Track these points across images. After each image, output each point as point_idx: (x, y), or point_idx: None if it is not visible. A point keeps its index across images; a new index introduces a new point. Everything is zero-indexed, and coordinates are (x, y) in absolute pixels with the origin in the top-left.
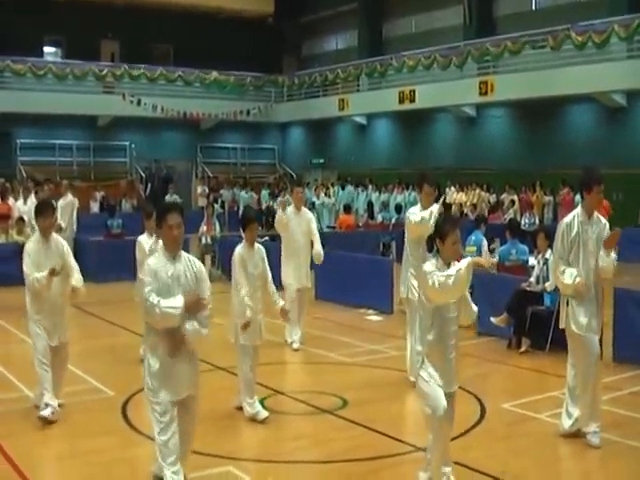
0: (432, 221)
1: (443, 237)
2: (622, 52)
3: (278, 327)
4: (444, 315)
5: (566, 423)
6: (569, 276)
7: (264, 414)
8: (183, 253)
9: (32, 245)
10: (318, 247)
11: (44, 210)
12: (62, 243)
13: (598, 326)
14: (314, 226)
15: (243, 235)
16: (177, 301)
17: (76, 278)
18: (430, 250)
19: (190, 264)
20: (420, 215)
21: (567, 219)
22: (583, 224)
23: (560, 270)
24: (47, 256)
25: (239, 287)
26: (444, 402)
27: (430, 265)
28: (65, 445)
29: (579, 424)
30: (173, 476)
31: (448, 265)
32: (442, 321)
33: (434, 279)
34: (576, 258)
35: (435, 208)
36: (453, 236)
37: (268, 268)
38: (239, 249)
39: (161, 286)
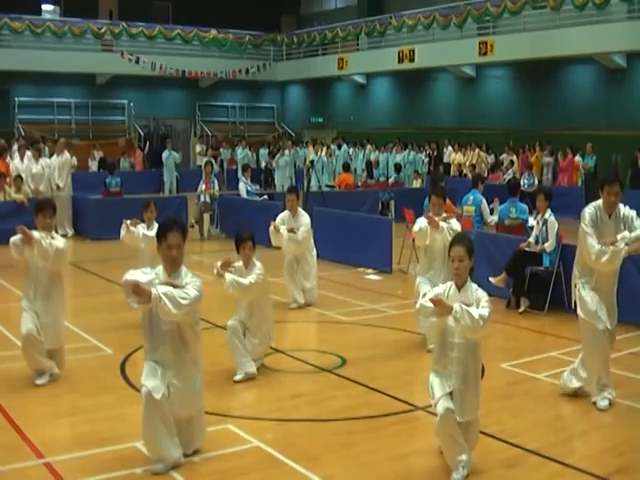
0: (428, 234)
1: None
2: (622, 13)
3: (277, 285)
4: (445, 338)
5: (572, 383)
6: (620, 250)
7: (238, 376)
8: (183, 270)
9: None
10: (293, 236)
11: (44, 208)
12: (55, 244)
13: (610, 317)
14: (303, 229)
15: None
16: (136, 276)
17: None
18: None
19: (182, 280)
20: (419, 225)
21: (589, 209)
22: (603, 220)
23: (598, 248)
24: (39, 256)
25: None
26: (440, 410)
27: (438, 288)
28: (64, 403)
29: (581, 384)
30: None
31: (457, 287)
32: (443, 342)
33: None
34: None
35: (423, 223)
36: (450, 252)
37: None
38: (237, 264)
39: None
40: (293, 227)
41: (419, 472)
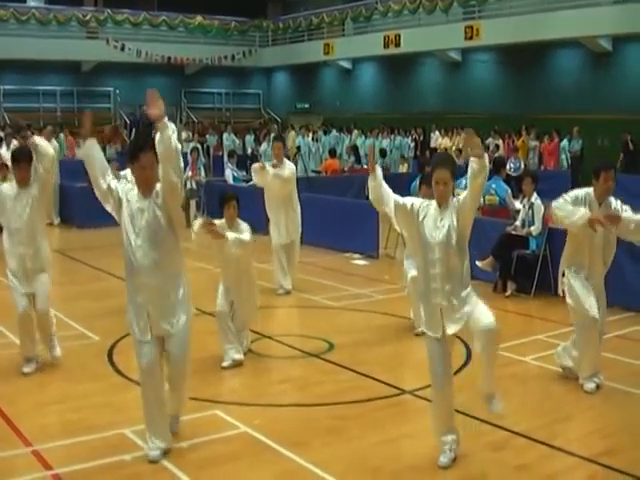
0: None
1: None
2: None
3: (265, 272)
4: (426, 255)
5: (565, 361)
6: (580, 213)
7: (225, 362)
8: (158, 187)
9: (4, 190)
10: (278, 172)
11: (20, 159)
12: (36, 194)
13: (600, 309)
14: (288, 171)
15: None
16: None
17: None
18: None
19: (158, 198)
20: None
21: (579, 191)
22: (593, 207)
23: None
24: (18, 205)
25: None
26: (434, 353)
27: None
28: (52, 391)
29: (573, 365)
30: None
31: (439, 205)
32: (424, 261)
33: None
34: (580, 235)
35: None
36: (434, 176)
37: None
38: (218, 223)
39: (127, 215)
40: (277, 167)
41: (407, 456)
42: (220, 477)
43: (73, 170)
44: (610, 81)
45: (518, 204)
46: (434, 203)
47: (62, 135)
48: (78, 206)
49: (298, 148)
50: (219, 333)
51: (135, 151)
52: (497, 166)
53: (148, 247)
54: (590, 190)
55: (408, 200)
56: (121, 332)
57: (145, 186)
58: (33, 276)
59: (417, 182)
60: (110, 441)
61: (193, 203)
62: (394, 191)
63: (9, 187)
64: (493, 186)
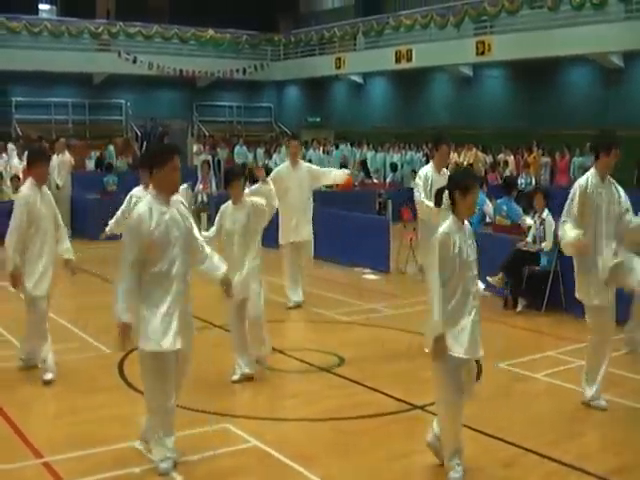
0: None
1: (464, 192)
2: (620, 13)
3: (276, 285)
4: (465, 274)
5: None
6: (572, 234)
7: (235, 376)
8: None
9: (25, 192)
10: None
11: (37, 159)
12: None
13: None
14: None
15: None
16: None
17: (66, 248)
18: (438, 204)
19: (178, 206)
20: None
21: (582, 181)
22: (597, 187)
23: (566, 227)
24: (42, 205)
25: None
26: (456, 375)
27: (446, 227)
28: (62, 402)
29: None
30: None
31: (462, 223)
32: (463, 282)
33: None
34: (585, 221)
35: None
36: (472, 195)
37: (258, 226)
38: (223, 206)
39: (162, 231)
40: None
41: (417, 471)
42: None
43: (85, 182)
44: (621, 97)
45: (529, 220)
46: (454, 220)
47: (111, 146)
48: (90, 218)
49: (310, 161)
50: (233, 344)
51: (169, 152)
52: (508, 186)
53: (183, 255)
54: (591, 172)
55: (448, 259)
56: (132, 345)
57: (172, 191)
58: None
59: None
60: (120, 454)
61: (204, 216)
62: (404, 206)
63: (28, 189)
64: (504, 207)
